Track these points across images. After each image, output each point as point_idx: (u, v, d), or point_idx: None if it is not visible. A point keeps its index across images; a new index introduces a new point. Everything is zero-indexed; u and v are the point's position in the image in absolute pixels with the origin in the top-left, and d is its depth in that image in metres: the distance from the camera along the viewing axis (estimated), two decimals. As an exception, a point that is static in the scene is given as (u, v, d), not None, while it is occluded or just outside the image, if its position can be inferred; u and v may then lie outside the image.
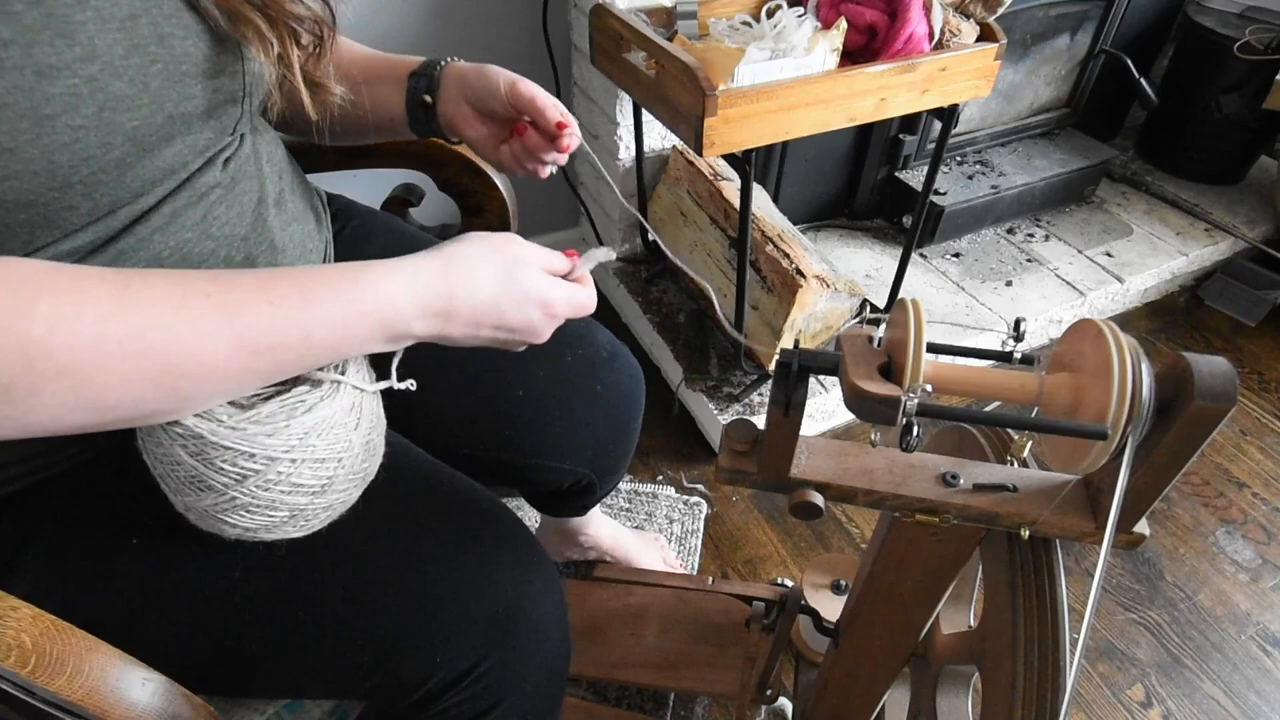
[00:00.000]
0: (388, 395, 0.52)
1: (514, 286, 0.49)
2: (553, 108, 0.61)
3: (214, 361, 0.41)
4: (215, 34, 0.47)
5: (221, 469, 0.44)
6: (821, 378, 1.36)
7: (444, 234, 0.87)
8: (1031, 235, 1.82)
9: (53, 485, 0.54)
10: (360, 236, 0.75)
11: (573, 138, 0.61)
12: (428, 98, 0.65)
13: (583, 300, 0.53)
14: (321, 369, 0.47)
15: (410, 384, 0.51)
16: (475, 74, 0.63)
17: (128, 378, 0.38)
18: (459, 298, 0.47)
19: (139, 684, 0.44)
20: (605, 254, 0.56)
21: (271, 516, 0.47)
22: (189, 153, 0.49)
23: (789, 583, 1.20)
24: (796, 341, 0.50)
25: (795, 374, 0.46)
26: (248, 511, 0.46)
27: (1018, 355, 0.47)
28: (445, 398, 0.72)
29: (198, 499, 0.46)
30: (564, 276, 0.53)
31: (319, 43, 0.53)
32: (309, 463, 0.46)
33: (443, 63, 0.66)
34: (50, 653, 0.39)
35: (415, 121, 0.67)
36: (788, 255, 1.28)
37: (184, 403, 0.42)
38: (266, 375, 0.44)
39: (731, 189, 1.36)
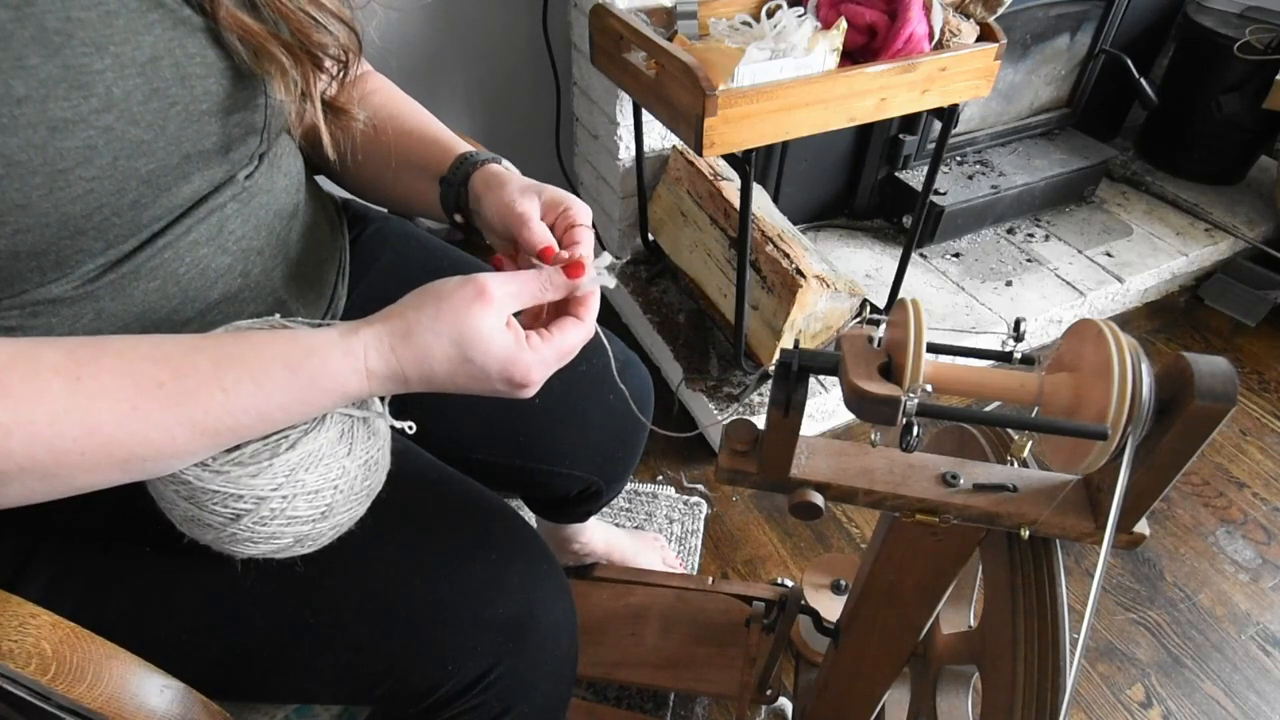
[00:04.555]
0: (400, 400, 0.51)
1: (468, 365, 0.45)
2: (581, 243, 0.51)
3: (174, 447, 0.40)
4: (237, 70, 0.46)
5: (214, 510, 0.44)
6: (821, 378, 1.36)
7: (450, 237, 0.87)
8: (1031, 235, 1.82)
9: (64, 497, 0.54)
10: (376, 242, 0.75)
11: (589, 282, 0.50)
12: (458, 217, 0.61)
13: (567, 349, 0.48)
14: None
15: (409, 426, 0.49)
16: (515, 189, 0.55)
17: (91, 467, 0.39)
18: (410, 375, 0.45)
19: (158, 691, 0.44)
20: (609, 279, 0.51)
21: (276, 544, 0.47)
22: (205, 185, 0.49)
23: (789, 583, 1.20)
24: (796, 341, 0.50)
25: (795, 374, 0.46)
26: (251, 543, 0.46)
27: (1018, 355, 0.47)
28: (460, 403, 0.71)
29: (200, 534, 0.46)
30: (564, 300, 0.50)
31: (343, 68, 0.52)
32: (302, 496, 0.45)
33: (476, 164, 0.59)
34: (70, 660, 0.40)
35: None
36: (788, 255, 1.28)
37: (156, 474, 0.42)
38: (232, 444, 0.43)
39: (731, 189, 1.36)
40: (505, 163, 0.61)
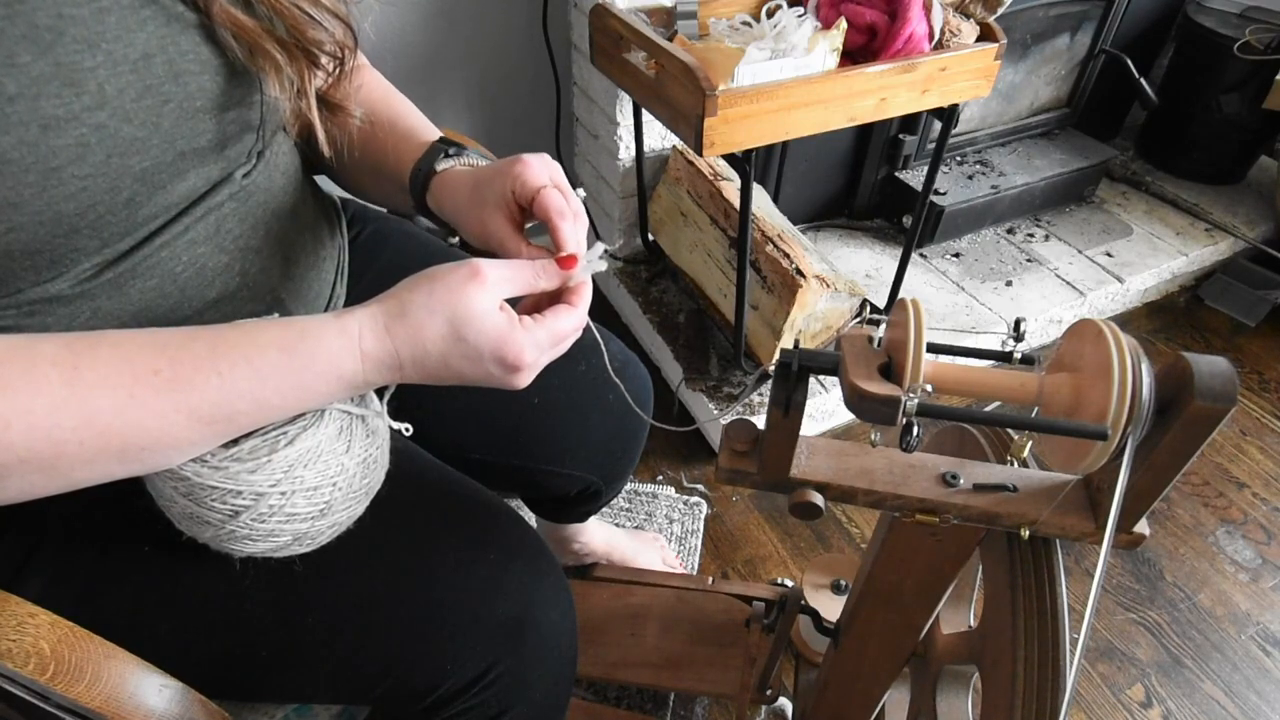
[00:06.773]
0: (399, 399, 0.50)
1: (462, 344, 0.44)
2: (567, 238, 0.50)
3: (171, 435, 0.40)
4: (232, 67, 0.46)
5: (213, 507, 0.44)
6: (821, 378, 1.36)
7: (451, 234, 0.87)
8: (1031, 235, 1.82)
9: (63, 492, 0.54)
10: (376, 242, 0.74)
11: (582, 270, 0.50)
12: (426, 220, 0.61)
13: (560, 334, 0.48)
14: None
15: (406, 427, 0.49)
16: (486, 180, 0.54)
17: (89, 459, 0.39)
18: (404, 357, 0.44)
19: (156, 690, 0.44)
20: (599, 264, 0.51)
21: (274, 541, 0.47)
22: (201, 183, 0.48)
23: (789, 583, 1.20)
24: (796, 341, 0.50)
25: (795, 374, 0.46)
26: (250, 540, 0.46)
27: (1018, 355, 0.47)
28: (460, 403, 0.71)
29: (199, 531, 0.46)
30: (557, 289, 0.50)
31: (339, 64, 0.52)
32: (300, 493, 0.45)
33: (439, 167, 0.58)
34: (69, 660, 0.40)
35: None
36: (788, 255, 1.28)
37: (154, 467, 0.42)
38: (230, 434, 0.43)
39: (731, 189, 1.36)
40: (451, 163, 0.59)
